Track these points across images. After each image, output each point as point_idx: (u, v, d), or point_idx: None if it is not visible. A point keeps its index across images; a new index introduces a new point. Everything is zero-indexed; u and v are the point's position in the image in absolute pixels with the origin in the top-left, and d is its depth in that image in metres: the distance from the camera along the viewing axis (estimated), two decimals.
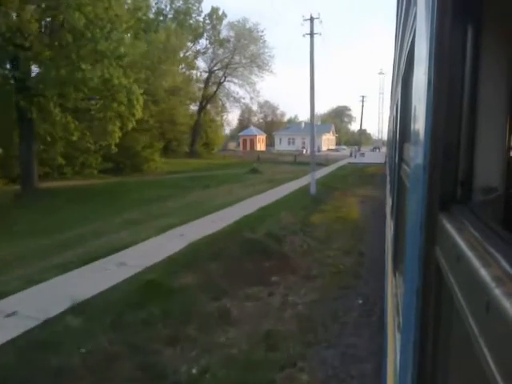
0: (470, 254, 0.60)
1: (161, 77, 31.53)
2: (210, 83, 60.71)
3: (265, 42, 59.34)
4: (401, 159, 2.92)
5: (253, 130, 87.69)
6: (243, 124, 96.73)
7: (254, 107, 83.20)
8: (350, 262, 9.24)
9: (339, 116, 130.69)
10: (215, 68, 60.52)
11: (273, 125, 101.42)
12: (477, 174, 0.86)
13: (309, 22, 20.74)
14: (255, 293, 7.28)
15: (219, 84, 61.19)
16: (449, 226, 0.75)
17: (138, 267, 8.09)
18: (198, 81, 57.81)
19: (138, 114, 24.02)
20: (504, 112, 0.88)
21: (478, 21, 0.82)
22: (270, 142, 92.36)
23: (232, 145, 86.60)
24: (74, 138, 22.60)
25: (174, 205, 17.41)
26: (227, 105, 66.12)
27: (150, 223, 13.09)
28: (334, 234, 11.87)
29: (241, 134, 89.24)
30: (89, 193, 22.36)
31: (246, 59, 59.89)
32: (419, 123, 0.99)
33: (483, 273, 0.53)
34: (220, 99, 64.20)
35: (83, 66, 19.68)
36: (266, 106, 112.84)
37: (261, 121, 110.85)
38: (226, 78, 61.35)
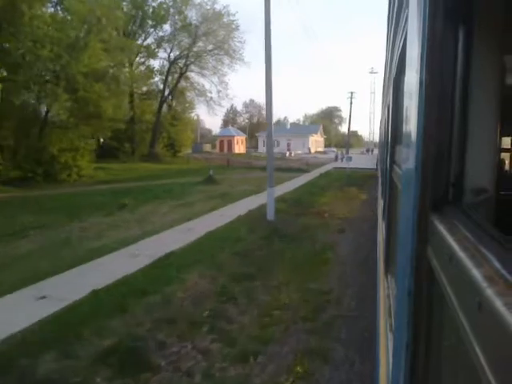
0: (461, 254, 0.60)
1: (79, 56, 23.69)
2: (175, 75, 51.60)
3: (238, 27, 49.36)
4: (392, 161, 2.93)
5: (231, 130, 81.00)
6: (228, 125, 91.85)
7: (224, 102, 73.27)
8: None
9: (329, 117, 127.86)
10: (179, 57, 51.03)
11: (259, 126, 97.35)
12: (468, 175, 0.86)
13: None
14: None
15: (180, 75, 50.77)
16: (441, 227, 0.75)
17: None
18: (161, 73, 49.98)
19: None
20: (495, 113, 0.88)
21: (469, 22, 0.83)
22: (254, 144, 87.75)
23: (207, 146, 79.12)
24: None
25: (26, 246, 10.20)
26: (196, 100, 56.36)
27: None
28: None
29: (217, 134, 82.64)
30: None
31: (211, 45, 50.30)
32: (411, 124, 1.00)
33: (475, 273, 0.53)
34: (186, 94, 55.08)
35: None
36: (252, 106, 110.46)
37: (246, 121, 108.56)
38: (187, 67, 50.87)
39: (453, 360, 0.77)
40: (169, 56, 49.69)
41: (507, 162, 9.29)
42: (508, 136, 9.20)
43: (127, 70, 38.87)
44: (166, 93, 50.47)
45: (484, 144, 0.88)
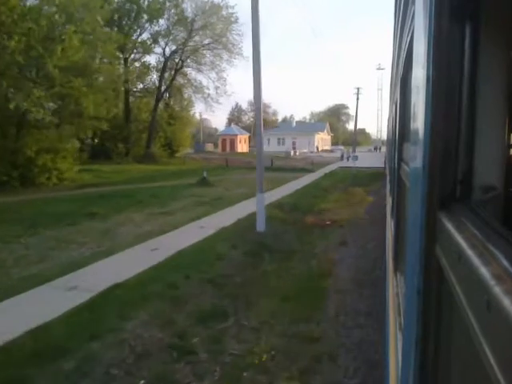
0: (470, 252, 0.60)
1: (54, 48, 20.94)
2: (173, 72, 48.15)
3: (237, 19, 45.41)
4: (400, 158, 2.92)
5: (233, 128, 77.55)
6: (233, 124, 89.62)
7: (223, 100, 68.82)
8: None
9: (336, 114, 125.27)
10: (175, 52, 47.43)
11: (265, 124, 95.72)
12: (476, 172, 0.85)
13: None
14: None
15: (176, 71, 47.24)
16: (449, 225, 0.75)
17: None
18: (158, 69, 46.86)
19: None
20: (503, 110, 0.88)
21: (476, 18, 0.82)
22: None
23: (209, 146, 75.62)
24: None
25: None
26: (194, 98, 52.32)
27: None
28: None
29: (219, 133, 78.92)
30: None
31: (208, 38, 46.78)
32: (418, 122, 0.99)
33: (483, 271, 0.53)
34: (184, 91, 51.16)
35: None
36: None
37: (252, 119, 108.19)
38: (183, 62, 47.34)
39: (462, 359, 0.77)
40: (164, 51, 46.64)
41: None
42: None
43: (117, 65, 36.59)
44: (163, 90, 47.76)
45: (492, 140, 0.87)
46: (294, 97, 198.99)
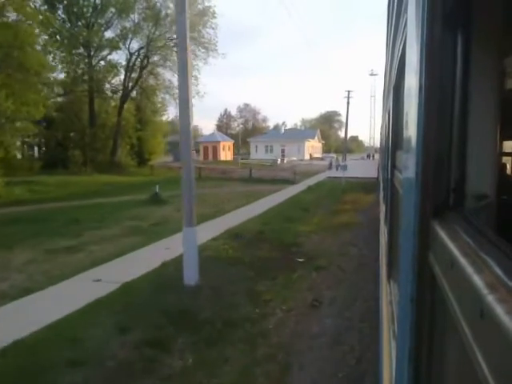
0: (463, 260, 0.60)
1: None
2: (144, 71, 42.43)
3: (214, 14, 40.42)
4: (393, 166, 2.93)
5: (216, 135, 72.99)
6: (222, 131, 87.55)
7: (195, 101, 57.62)
8: None
9: (328, 122, 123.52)
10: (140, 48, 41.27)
11: (255, 131, 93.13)
12: (469, 180, 0.86)
13: None
14: None
15: (142, 68, 41.27)
16: (442, 233, 0.75)
17: None
18: (126, 68, 41.11)
19: None
20: (495, 117, 0.88)
21: (468, 26, 0.83)
22: (247, 151, 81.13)
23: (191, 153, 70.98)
24: None
25: None
26: (168, 101, 46.06)
27: None
28: None
29: (200, 140, 71.54)
30: None
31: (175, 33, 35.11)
32: (411, 130, 1.00)
33: (476, 279, 0.53)
34: (155, 93, 45.11)
35: None
36: (246, 110, 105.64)
37: (241, 126, 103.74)
38: (148, 58, 41.44)
39: (455, 367, 0.76)
40: (128, 47, 41.23)
41: (508, 166, 9.24)
42: (509, 140, 9.19)
43: (80, 61, 34.93)
44: (130, 90, 42.57)
45: (484, 148, 0.87)
46: (286, 104, 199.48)
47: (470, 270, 0.56)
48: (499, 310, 0.44)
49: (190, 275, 7.53)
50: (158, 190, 19.06)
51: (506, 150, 9.28)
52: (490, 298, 0.47)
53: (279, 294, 7.31)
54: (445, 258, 0.69)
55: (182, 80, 8.00)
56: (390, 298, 2.46)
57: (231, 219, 13.82)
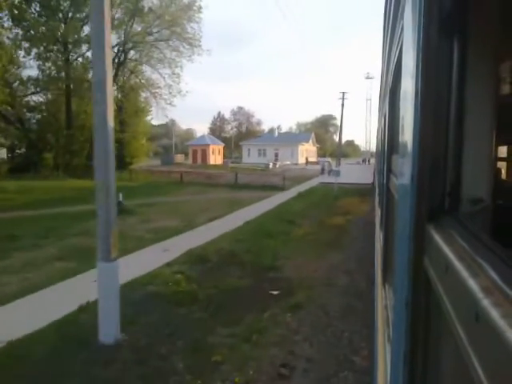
0: (458, 264, 0.60)
1: None
2: (126, 69, 39.80)
3: (200, 9, 38.28)
4: (389, 170, 2.93)
5: (206, 138, 71.24)
6: (215, 134, 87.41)
7: (177, 101, 57.91)
8: None
9: (324, 125, 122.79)
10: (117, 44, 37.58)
11: (249, 134, 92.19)
12: (464, 184, 0.86)
13: None
14: None
15: (119, 65, 38.06)
16: (437, 237, 0.75)
17: None
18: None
19: None
20: (491, 122, 0.89)
21: (464, 32, 0.83)
22: (240, 154, 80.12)
23: (180, 157, 68.43)
24: None
25: None
26: (152, 102, 43.03)
27: None
28: None
29: (189, 143, 72.03)
30: None
31: (156, 28, 38.45)
32: (407, 134, 1.00)
33: (472, 283, 0.53)
34: (138, 92, 41.98)
35: None
36: (240, 114, 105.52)
37: (235, 129, 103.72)
38: (126, 54, 38.59)
39: (450, 371, 0.76)
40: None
41: (504, 170, 9.30)
42: (504, 145, 9.24)
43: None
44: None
45: (480, 153, 0.88)
46: (282, 107, 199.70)
47: (465, 274, 0.56)
48: (494, 314, 0.44)
49: (108, 330, 5.43)
50: (121, 199, 15.41)
51: (502, 155, 9.34)
52: (486, 302, 0.47)
53: (237, 351, 5.24)
54: (440, 262, 0.69)
55: (97, 52, 5.85)
56: (385, 302, 2.46)
57: (200, 235, 11.85)
